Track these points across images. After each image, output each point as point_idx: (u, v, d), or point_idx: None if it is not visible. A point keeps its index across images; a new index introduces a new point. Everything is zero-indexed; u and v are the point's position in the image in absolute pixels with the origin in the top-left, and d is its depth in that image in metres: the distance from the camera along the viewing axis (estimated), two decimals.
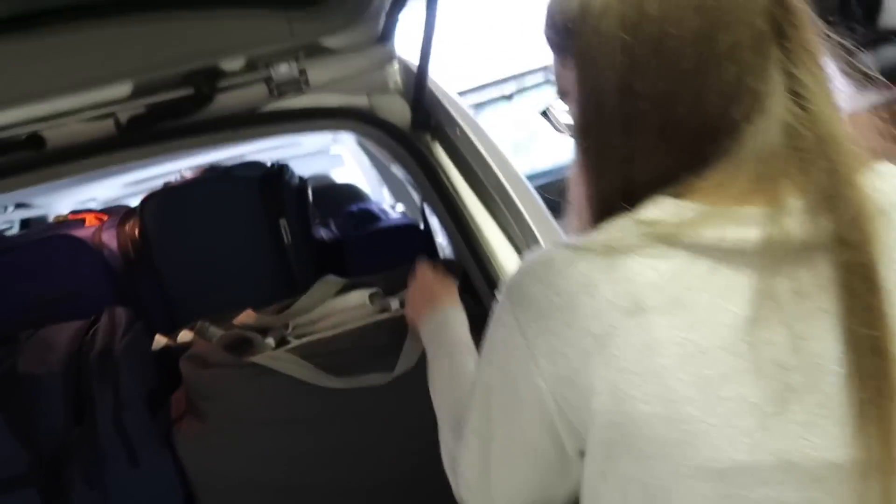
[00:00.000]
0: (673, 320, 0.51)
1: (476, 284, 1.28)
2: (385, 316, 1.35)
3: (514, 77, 3.44)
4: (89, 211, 1.86)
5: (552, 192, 1.28)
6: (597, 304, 0.52)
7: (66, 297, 1.52)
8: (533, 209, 1.24)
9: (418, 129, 1.43)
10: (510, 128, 3.64)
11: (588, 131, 0.59)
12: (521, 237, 1.24)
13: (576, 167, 0.62)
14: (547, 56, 0.62)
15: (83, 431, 1.19)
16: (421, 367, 1.13)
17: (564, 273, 0.54)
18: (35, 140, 1.32)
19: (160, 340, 1.51)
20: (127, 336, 1.29)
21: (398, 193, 3.36)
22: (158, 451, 1.24)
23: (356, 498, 1.31)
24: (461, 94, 3.35)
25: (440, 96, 1.41)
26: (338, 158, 4.54)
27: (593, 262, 0.53)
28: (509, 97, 3.49)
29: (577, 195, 0.63)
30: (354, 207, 2.16)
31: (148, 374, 1.31)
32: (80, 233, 1.57)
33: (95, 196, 3.23)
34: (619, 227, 0.55)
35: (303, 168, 3.83)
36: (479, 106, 3.37)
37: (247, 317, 1.43)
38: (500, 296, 0.61)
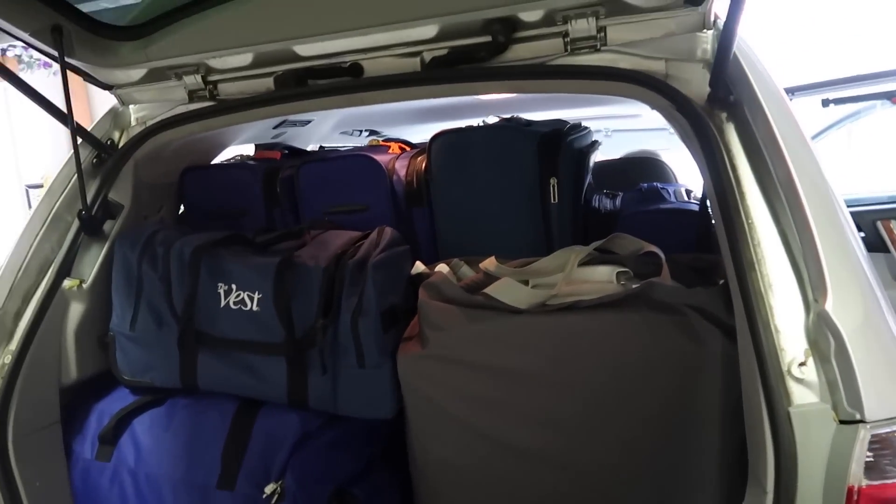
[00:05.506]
0: None
1: (732, 296, 1.09)
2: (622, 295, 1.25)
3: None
4: (398, 140, 2.06)
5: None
6: None
7: (357, 210, 1.72)
8: (830, 228, 1.00)
9: (715, 106, 1.27)
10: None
11: None
12: (801, 256, 1.02)
13: None
14: None
15: (326, 323, 1.35)
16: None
17: None
18: (356, 68, 1.49)
19: (419, 266, 1.62)
20: (383, 253, 1.41)
21: None
22: (381, 361, 1.35)
23: (565, 473, 1.25)
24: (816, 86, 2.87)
25: (748, 69, 1.23)
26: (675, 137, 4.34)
27: None
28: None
29: None
30: (645, 185, 2.04)
31: (393, 291, 1.43)
32: (380, 157, 1.76)
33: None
34: None
35: (639, 143, 3.70)
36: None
37: (489, 263, 1.46)
38: None
